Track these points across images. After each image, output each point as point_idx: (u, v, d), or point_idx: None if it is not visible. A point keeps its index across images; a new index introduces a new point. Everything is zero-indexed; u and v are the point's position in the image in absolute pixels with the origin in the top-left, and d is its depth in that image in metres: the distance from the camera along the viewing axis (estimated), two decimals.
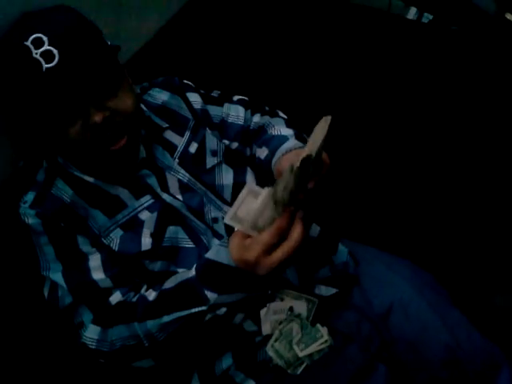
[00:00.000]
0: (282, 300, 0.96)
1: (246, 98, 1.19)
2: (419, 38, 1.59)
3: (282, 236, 0.76)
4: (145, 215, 0.95)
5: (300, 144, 0.98)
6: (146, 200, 0.96)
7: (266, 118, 1.14)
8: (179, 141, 1.04)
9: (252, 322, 0.97)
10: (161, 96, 1.08)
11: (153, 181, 0.98)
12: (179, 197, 0.99)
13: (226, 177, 1.04)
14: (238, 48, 1.57)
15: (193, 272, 0.84)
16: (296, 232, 0.76)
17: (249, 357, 0.98)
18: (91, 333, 0.89)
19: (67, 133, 0.83)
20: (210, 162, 1.04)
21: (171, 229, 0.96)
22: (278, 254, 0.76)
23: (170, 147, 1.02)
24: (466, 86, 1.51)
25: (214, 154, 1.05)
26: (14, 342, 1.00)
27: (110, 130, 0.85)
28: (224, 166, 1.05)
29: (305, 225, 0.77)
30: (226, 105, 1.14)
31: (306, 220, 0.79)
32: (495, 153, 1.48)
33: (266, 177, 1.06)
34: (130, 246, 0.93)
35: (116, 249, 0.93)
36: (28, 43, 0.78)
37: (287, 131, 1.06)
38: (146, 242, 0.94)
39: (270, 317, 0.94)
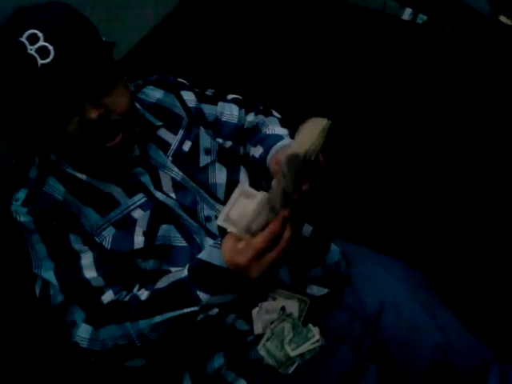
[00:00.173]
0: (274, 299, 0.96)
1: (240, 97, 1.19)
2: (413, 38, 1.59)
3: (274, 241, 0.77)
4: (138, 213, 0.95)
5: None
6: (139, 198, 0.96)
7: (260, 117, 1.14)
8: (173, 139, 1.03)
9: (244, 321, 0.97)
10: (155, 94, 1.07)
11: (146, 179, 0.97)
12: (172, 195, 0.99)
13: (220, 175, 1.04)
14: (232, 47, 1.57)
15: (185, 272, 0.84)
16: (286, 232, 0.77)
17: (240, 356, 0.98)
18: (83, 332, 0.89)
19: (64, 129, 0.82)
20: (204, 160, 1.04)
21: (164, 227, 0.96)
22: (269, 257, 0.77)
23: (164, 145, 1.02)
24: (460, 86, 1.52)
25: (208, 152, 1.05)
26: (6, 340, 1.00)
27: (106, 127, 0.84)
28: (217, 165, 1.05)
29: (297, 224, 0.78)
30: (220, 103, 1.14)
31: (299, 220, 0.79)
32: (486, 153, 1.49)
33: (259, 176, 1.06)
34: (122, 245, 0.93)
35: (108, 247, 0.92)
36: (23, 39, 0.77)
37: (282, 130, 1.07)
38: (139, 240, 0.93)
39: (261, 316, 0.94)
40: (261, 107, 1.20)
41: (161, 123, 1.04)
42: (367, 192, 1.52)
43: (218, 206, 1.01)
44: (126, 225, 0.94)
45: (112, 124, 0.85)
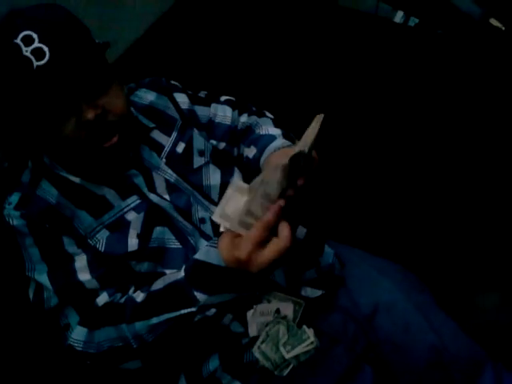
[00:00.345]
0: (268, 302, 0.96)
1: (233, 99, 1.19)
2: (405, 41, 1.61)
3: (270, 230, 0.76)
4: (131, 216, 0.94)
5: (288, 143, 0.98)
6: (133, 200, 0.96)
7: (254, 118, 1.14)
8: (166, 141, 1.03)
9: (239, 323, 0.97)
10: (148, 96, 1.07)
11: (140, 181, 0.97)
12: (166, 197, 0.98)
13: (214, 177, 1.04)
14: (225, 49, 1.57)
15: (181, 273, 0.84)
16: (285, 231, 0.76)
17: (235, 358, 0.98)
18: (78, 335, 0.88)
19: (61, 130, 0.82)
20: (197, 161, 1.04)
21: (158, 229, 0.95)
22: (270, 249, 0.76)
23: (157, 147, 1.01)
24: (451, 88, 1.53)
25: (201, 154, 1.05)
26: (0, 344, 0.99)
27: (103, 127, 0.84)
28: (211, 166, 1.05)
29: (291, 224, 0.77)
30: (214, 105, 1.14)
31: (293, 219, 0.79)
32: (477, 155, 1.50)
33: (253, 176, 1.06)
34: (116, 247, 0.92)
35: (102, 250, 0.92)
36: (18, 41, 0.77)
37: (275, 131, 1.07)
38: (133, 242, 0.93)
39: (256, 319, 0.94)
40: (254, 108, 1.20)
41: (154, 125, 1.03)
42: (361, 194, 1.52)
43: (212, 207, 1.01)
44: (120, 227, 0.93)
45: (109, 125, 0.85)
